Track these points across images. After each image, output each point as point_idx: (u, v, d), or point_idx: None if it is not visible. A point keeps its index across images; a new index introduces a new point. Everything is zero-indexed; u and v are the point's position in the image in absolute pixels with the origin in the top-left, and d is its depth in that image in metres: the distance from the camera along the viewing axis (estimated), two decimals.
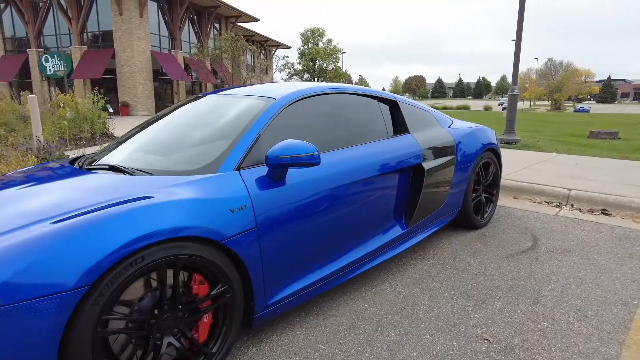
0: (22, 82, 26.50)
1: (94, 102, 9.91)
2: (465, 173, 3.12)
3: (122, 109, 24.50)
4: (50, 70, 25.51)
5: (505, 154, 6.54)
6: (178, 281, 1.55)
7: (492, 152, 3.47)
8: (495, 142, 3.52)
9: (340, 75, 45.65)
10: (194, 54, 27.86)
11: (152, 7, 25.93)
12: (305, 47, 43.82)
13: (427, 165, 2.71)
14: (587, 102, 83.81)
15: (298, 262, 1.98)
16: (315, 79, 44.49)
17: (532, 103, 64.57)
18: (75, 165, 2.23)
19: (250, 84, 3.18)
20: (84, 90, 23.60)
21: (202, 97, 2.65)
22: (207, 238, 1.57)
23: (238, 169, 1.83)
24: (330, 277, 2.17)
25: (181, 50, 28.37)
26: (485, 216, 3.48)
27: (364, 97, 2.69)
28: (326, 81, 44.93)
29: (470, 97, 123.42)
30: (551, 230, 3.37)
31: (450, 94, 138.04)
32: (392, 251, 2.59)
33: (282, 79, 45.35)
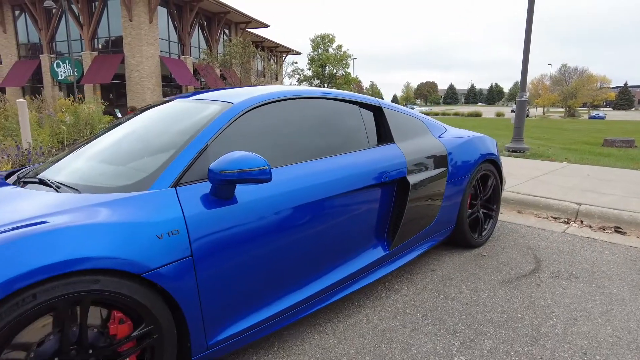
0: (35, 87, 26.83)
1: (105, 104, 9.87)
2: (459, 187, 2.81)
3: (131, 114, 24.57)
4: (61, 75, 25.78)
5: (512, 163, 6.19)
6: (86, 321, 1.28)
7: (491, 164, 3.16)
8: (495, 153, 3.20)
9: (350, 81, 45.44)
10: (202, 59, 27.94)
11: (162, 12, 26.10)
12: (315, 53, 43.72)
13: (413, 178, 2.42)
14: (602, 108, 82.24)
15: (249, 293, 1.70)
16: (325, 85, 44.37)
17: (545, 110, 63.51)
18: (10, 179, 1.99)
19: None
20: (94, 95, 23.77)
21: (170, 101, 2.40)
22: (123, 271, 1.31)
23: (176, 185, 1.56)
24: (293, 309, 1.88)
25: (190, 55, 28.50)
26: (483, 234, 3.16)
27: (342, 103, 2.40)
28: (336, 87, 44.94)
29: (481, 104, 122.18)
30: (557, 250, 3.03)
31: (463, 100, 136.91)
32: (373, 276, 2.30)
33: (283, 84, 45.31)
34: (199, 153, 1.68)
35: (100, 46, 25.92)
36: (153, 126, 2.13)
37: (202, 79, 28.85)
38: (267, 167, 1.56)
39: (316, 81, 44.46)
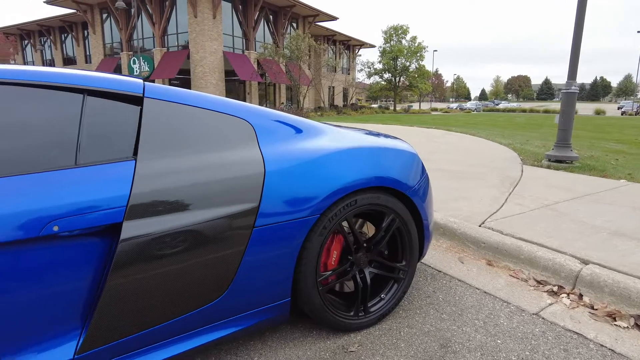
0: None
1: None
2: (294, 233, 1.60)
3: None
4: (136, 71, 27.51)
5: (537, 178, 4.50)
6: None
7: (391, 195, 1.87)
8: (399, 178, 1.87)
9: (424, 74, 42.72)
10: (261, 54, 27.96)
11: (227, 8, 26.50)
12: (387, 45, 41.68)
13: (138, 226, 1.30)
14: None
15: None
16: (397, 78, 42.18)
17: None
18: None
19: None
20: None
21: None
22: None
23: None
24: None
25: (255, 50, 28.65)
26: (372, 309, 1.89)
27: (33, 90, 1.36)
28: (410, 81, 42.33)
29: (581, 100, 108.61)
30: None
31: (560, 96, 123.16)
32: None
33: (354, 78, 43.87)
34: None
35: (169, 43, 27.10)
36: None
37: (266, 74, 28.83)
38: None
39: (387, 75, 42.48)
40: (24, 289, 1.19)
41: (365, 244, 1.88)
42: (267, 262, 1.57)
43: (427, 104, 68.11)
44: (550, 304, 2.08)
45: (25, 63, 36.14)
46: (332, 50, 41.77)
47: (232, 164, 1.53)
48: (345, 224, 1.84)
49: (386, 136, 2.24)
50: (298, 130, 1.82)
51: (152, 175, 1.37)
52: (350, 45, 45.15)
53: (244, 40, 28.33)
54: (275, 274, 1.61)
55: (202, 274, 1.44)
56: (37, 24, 34.17)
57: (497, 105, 69.27)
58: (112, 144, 1.41)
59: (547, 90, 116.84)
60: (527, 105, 69.62)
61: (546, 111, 45.85)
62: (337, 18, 35.61)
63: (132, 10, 26.28)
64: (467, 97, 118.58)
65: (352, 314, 1.84)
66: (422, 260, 2.65)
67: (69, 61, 34.28)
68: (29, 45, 37.49)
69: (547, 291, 2.20)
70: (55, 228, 1.21)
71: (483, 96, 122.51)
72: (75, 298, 1.27)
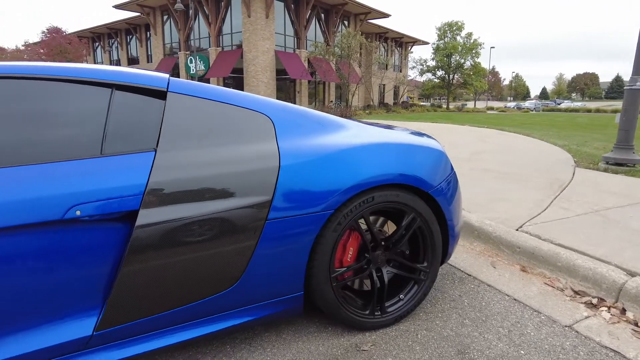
0: None
1: None
2: (306, 229, 1.60)
3: None
4: (193, 70, 28.78)
5: (592, 179, 4.17)
6: None
7: (411, 193, 1.82)
8: (423, 176, 1.82)
9: (479, 72, 40.99)
10: (311, 52, 28.17)
11: (279, 7, 26.98)
12: (441, 42, 40.43)
13: (153, 214, 1.37)
14: None
15: None
16: (451, 76, 40.84)
17: None
18: None
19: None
20: None
21: None
22: None
23: None
24: None
25: (306, 49, 28.96)
26: (389, 310, 1.85)
27: (66, 85, 1.47)
28: (464, 78, 40.73)
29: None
30: None
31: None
32: None
33: (405, 76, 42.93)
34: None
35: (223, 42, 28.08)
36: None
37: (316, 72, 29.03)
38: None
39: (440, 72, 41.24)
40: (46, 268, 1.30)
41: (383, 243, 1.85)
42: (279, 254, 1.59)
43: (482, 102, 65.51)
44: (586, 317, 1.93)
45: (95, 63, 39.05)
46: (384, 47, 41.19)
47: (249, 157, 1.56)
48: (362, 221, 1.81)
49: (414, 133, 2.18)
50: (318, 125, 1.82)
51: (169, 166, 1.44)
52: (403, 43, 44.29)
53: (295, 39, 28.72)
54: (287, 267, 1.62)
55: (214, 263, 1.49)
56: (106, 27, 36.78)
57: (558, 104, 65.00)
58: (135, 135, 1.49)
59: (617, 89, 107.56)
60: (593, 104, 64.63)
61: (615, 111, 42.28)
62: (389, 15, 35.07)
63: (190, 11, 27.54)
64: (527, 96, 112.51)
65: (367, 312, 1.81)
66: (451, 263, 2.56)
67: (132, 61, 36.60)
68: (99, 47, 40.45)
69: (584, 303, 2.04)
70: (78, 212, 1.30)
71: (544, 95, 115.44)
72: (94, 279, 1.36)
